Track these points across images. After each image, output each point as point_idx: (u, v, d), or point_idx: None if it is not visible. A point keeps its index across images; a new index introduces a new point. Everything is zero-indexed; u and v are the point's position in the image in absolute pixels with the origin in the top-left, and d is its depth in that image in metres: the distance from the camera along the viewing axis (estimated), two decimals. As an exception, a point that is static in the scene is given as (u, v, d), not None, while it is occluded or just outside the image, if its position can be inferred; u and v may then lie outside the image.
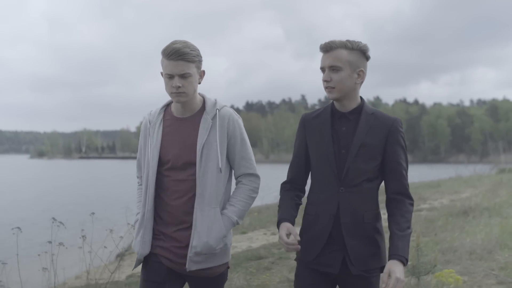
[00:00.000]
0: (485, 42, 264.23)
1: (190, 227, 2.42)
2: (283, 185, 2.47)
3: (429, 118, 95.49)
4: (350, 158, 2.22)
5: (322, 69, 2.25)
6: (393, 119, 2.27)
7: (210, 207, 2.41)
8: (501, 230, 6.72)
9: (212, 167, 2.42)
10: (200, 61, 2.45)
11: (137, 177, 2.70)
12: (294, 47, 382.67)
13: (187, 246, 2.41)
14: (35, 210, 17.90)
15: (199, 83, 2.48)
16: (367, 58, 2.28)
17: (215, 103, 2.53)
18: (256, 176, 2.57)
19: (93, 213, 5.25)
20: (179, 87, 2.38)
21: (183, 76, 2.38)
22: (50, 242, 4.71)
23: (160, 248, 2.46)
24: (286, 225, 2.25)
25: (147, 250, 2.46)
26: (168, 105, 2.60)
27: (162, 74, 2.48)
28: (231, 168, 2.56)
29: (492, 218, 7.96)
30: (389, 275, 2.03)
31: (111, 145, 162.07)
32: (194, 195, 2.42)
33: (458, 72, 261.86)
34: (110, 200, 19.70)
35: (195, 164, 2.42)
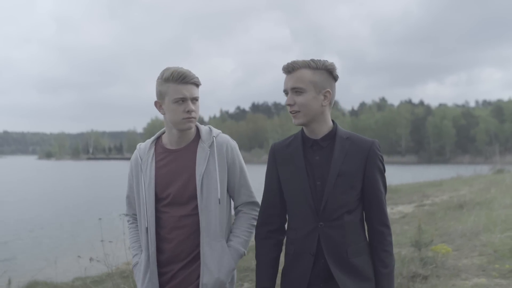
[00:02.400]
0: (492, 42, 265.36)
1: (194, 263, 2.31)
2: (258, 229, 2.26)
3: (434, 119, 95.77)
4: (328, 190, 2.04)
5: (285, 92, 2.10)
6: (370, 142, 2.11)
7: (217, 240, 2.29)
8: (487, 219, 8.25)
9: (214, 198, 2.29)
10: None
11: (126, 215, 2.56)
12: (301, 47, 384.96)
13: (193, 283, 2.30)
14: (68, 208, 19.41)
15: None
16: (334, 78, 2.11)
17: (210, 130, 2.40)
18: (257, 204, 2.42)
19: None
20: (193, 111, 2.25)
21: (194, 100, 2.27)
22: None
23: None
24: None
25: None
26: (158, 138, 2.46)
27: (158, 104, 2.32)
28: (229, 196, 2.43)
29: (482, 210, 9.49)
30: None
31: (118, 146, 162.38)
32: (198, 229, 2.28)
33: (464, 73, 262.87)
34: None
35: (196, 197, 2.28)
